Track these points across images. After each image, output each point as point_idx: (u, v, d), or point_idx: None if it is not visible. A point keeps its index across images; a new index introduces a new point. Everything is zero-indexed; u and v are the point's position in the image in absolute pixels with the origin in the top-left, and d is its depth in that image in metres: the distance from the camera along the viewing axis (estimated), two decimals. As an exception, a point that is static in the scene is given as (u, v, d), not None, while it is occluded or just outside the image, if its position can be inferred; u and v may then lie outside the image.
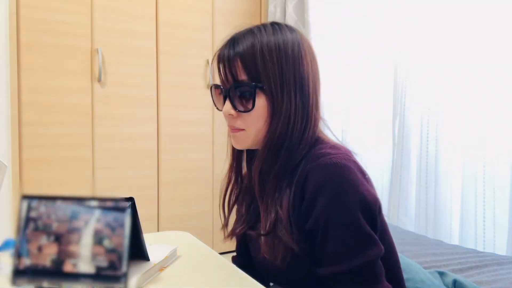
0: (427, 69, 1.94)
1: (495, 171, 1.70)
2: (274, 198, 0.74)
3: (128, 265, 0.45)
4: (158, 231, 2.58)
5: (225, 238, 0.87)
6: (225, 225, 0.89)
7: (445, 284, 1.03)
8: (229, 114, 0.76)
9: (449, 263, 1.34)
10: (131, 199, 0.52)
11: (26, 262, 0.45)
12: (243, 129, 0.76)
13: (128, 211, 0.46)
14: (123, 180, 2.46)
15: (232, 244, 0.97)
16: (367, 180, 0.73)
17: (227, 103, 0.75)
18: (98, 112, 2.37)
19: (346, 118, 2.45)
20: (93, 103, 2.35)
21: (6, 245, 0.81)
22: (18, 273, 0.45)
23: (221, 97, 0.78)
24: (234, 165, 0.86)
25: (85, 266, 0.45)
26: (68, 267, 0.45)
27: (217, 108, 0.81)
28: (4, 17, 2.10)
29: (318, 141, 0.77)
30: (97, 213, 0.46)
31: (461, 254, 1.43)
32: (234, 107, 0.75)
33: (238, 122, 0.76)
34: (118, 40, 2.40)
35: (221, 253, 0.91)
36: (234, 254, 1.00)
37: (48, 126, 2.25)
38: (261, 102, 0.73)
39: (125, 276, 0.44)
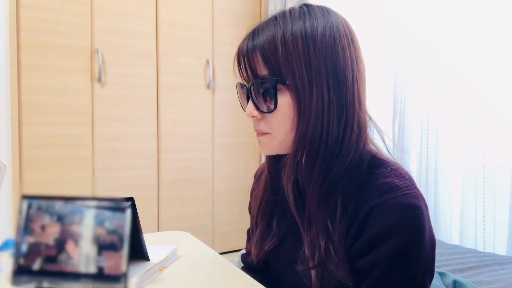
0: (427, 69, 1.94)
1: (495, 171, 1.70)
2: (321, 222, 0.64)
3: (128, 265, 0.45)
4: (158, 231, 2.58)
5: (255, 258, 0.76)
6: (255, 243, 0.77)
7: (445, 285, 1.03)
8: (253, 116, 0.67)
9: (449, 263, 1.34)
10: (131, 199, 0.52)
11: (26, 262, 0.45)
12: (269, 133, 0.67)
13: (128, 211, 0.46)
14: (123, 180, 2.46)
15: (232, 244, 0.97)
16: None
17: (250, 103, 0.67)
18: (98, 112, 2.37)
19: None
20: (93, 103, 2.35)
21: (6, 245, 0.81)
22: (18, 273, 0.45)
23: (245, 97, 0.69)
24: (267, 173, 0.76)
25: (85, 266, 0.45)
26: (68, 267, 0.45)
27: (243, 109, 0.72)
28: (4, 17, 2.10)
29: (375, 158, 0.66)
30: (97, 213, 0.46)
31: (461, 254, 1.43)
32: (257, 108, 0.66)
33: (262, 124, 0.67)
34: (118, 40, 2.41)
35: (221, 253, 0.91)
36: (243, 251, 0.96)
37: (48, 126, 2.25)
38: (286, 100, 0.63)
39: (125, 276, 0.44)
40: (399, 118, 2.09)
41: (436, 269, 1.11)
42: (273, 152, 0.70)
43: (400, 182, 0.61)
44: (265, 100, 0.65)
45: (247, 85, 0.68)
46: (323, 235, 0.63)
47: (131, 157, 2.48)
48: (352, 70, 0.65)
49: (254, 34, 0.67)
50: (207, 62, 2.70)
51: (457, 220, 1.86)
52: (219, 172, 2.79)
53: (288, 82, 0.63)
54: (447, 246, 1.56)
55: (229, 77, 2.78)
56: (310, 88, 0.62)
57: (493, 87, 1.69)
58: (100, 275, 0.45)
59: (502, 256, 1.45)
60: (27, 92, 2.18)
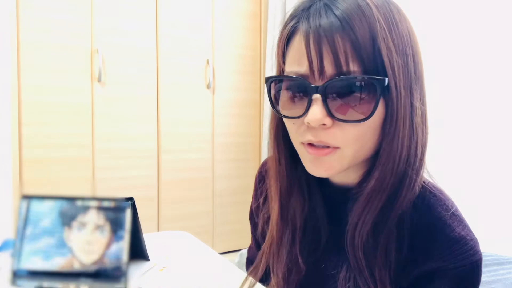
0: (428, 68, 1.94)
1: (495, 170, 1.70)
2: (368, 264, 0.52)
3: (128, 265, 0.45)
4: (158, 231, 2.58)
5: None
6: (277, 275, 0.60)
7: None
8: (322, 124, 0.48)
9: (449, 263, 1.34)
10: (131, 199, 0.52)
11: (26, 262, 0.45)
12: (338, 147, 0.50)
13: (128, 211, 0.46)
14: (123, 180, 2.46)
15: (232, 244, 0.97)
16: None
17: (318, 107, 0.47)
18: (98, 112, 2.37)
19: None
20: (93, 103, 2.35)
21: (6, 245, 0.81)
22: (18, 273, 0.45)
23: (302, 97, 0.50)
24: (294, 199, 0.58)
25: (85, 266, 0.45)
26: (68, 267, 0.45)
27: (277, 113, 0.53)
28: (4, 17, 2.10)
29: (428, 189, 0.54)
30: (97, 213, 0.46)
31: (461, 254, 1.43)
32: (331, 114, 0.48)
33: (331, 136, 0.49)
34: (118, 40, 2.40)
35: (221, 253, 0.91)
36: (243, 251, 0.93)
37: (48, 126, 2.25)
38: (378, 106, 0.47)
39: (125, 276, 0.44)
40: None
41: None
42: (334, 173, 0.52)
43: (463, 233, 0.52)
44: (348, 105, 0.48)
45: (314, 82, 0.48)
46: (369, 278, 0.52)
47: (131, 157, 2.48)
48: (422, 69, 0.53)
49: (337, 12, 0.46)
50: (207, 62, 2.70)
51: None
52: (219, 172, 2.79)
53: (387, 85, 0.47)
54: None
55: (229, 77, 2.78)
56: (406, 92, 0.49)
57: (493, 87, 1.69)
58: (100, 275, 0.45)
59: (502, 256, 1.45)
60: (27, 92, 2.18)
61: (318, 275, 0.59)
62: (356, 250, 0.52)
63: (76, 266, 0.47)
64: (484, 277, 1.23)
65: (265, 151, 2.84)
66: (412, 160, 0.50)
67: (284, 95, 0.52)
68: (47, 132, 2.24)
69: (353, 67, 0.46)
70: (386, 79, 0.47)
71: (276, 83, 0.53)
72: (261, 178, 0.72)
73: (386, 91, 0.48)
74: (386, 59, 0.46)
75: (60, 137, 2.28)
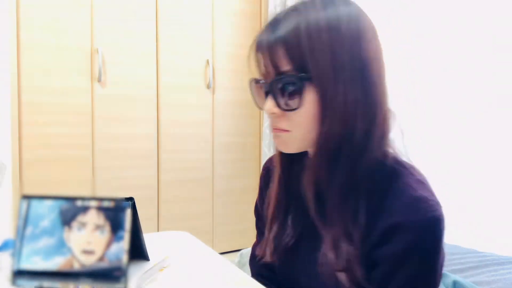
0: (427, 69, 1.94)
1: (495, 170, 1.70)
2: (341, 224, 0.62)
3: (128, 265, 0.45)
4: (158, 231, 2.58)
5: (269, 258, 0.74)
6: (268, 243, 0.74)
7: (444, 285, 1.03)
8: (272, 113, 0.63)
9: (449, 263, 1.34)
10: (131, 199, 0.52)
11: (26, 262, 0.45)
12: (288, 130, 0.63)
13: (128, 211, 0.46)
14: (123, 180, 2.46)
15: (232, 244, 0.97)
16: None
17: (269, 100, 0.63)
18: (98, 112, 2.37)
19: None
20: (93, 103, 2.36)
21: (6, 245, 0.81)
22: (18, 273, 0.45)
23: (262, 93, 0.66)
24: (281, 172, 0.73)
25: (85, 266, 0.45)
26: (68, 267, 0.45)
27: (258, 106, 0.70)
28: (4, 17, 2.10)
29: (396, 159, 0.64)
30: (97, 213, 0.46)
31: (461, 254, 1.43)
32: (278, 105, 0.62)
33: (283, 122, 0.63)
34: (118, 40, 2.41)
35: (221, 253, 0.91)
36: (243, 251, 0.95)
37: (48, 126, 2.25)
38: (310, 97, 0.60)
39: (125, 276, 0.44)
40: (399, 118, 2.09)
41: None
42: (291, 150, 0.66)
43: (425, 194, 0.59)
44: (288, 97, 0.61)
45: (265, 81, 0.65)
46: (343, 237, 0.62)
47: (131, 157, 2.49)
48: (377, 65, 0.62)
49: (274, 25, 0.62)
50: (207, 62, 2.70)
51: (457, 220, 1.86)
52: (219, 172, 2.79)
53: (313, 78, 0.59)
54: (447, 246, 1.56)
55: (229, 77, 2.78)
56: (335, 84, 0.59)
57: (493, 87, 1.69)
58: (100, 275, 0.45)
59: (502, 256, 1.45)
60: (27, 92, 2.18)
61: (304, 246, 0.71)
62: (330, 213, 0.63)
63: (76, 266, 0.47)
64: (484, 277, 1.23)
65: (265, 151, 2.84)
66: (351, 137, 0.60)
67: (256, 93, 0.69)
68: (47, 132, 2.24)
69: (287, 68, 0.60)
70: (308, 75, 0.59)
71: (251, 84, 0.69)
72: (267, 170, 0.83)
73: (317, 83, 0.59)
74: (313, 61, 0.58)
75: (60, 137, 2.28)
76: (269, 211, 0.75)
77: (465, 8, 1.76)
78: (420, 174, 0.63)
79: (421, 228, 0.58)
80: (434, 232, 0.58)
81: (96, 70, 2.34)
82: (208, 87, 2.71)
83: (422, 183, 0.61)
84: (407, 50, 2.02)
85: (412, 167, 0.64)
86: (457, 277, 1.05)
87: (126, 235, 0.46)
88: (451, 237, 1.86)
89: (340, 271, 0.62)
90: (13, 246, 0.46)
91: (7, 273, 0.44)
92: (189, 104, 2.66)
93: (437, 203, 0.60)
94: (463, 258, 1.39)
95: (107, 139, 2.40)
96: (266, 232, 0.76)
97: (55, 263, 0.46)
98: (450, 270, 1.25)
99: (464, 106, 1.81)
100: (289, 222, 0.73)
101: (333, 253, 0.62)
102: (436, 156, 1.93)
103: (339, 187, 0.62)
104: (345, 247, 0.61)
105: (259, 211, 0.85)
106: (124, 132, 2.45)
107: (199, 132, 2.71)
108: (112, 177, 2.43)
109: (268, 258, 0.74)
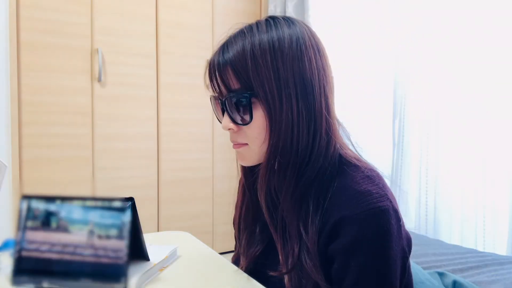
0: (427, 68, 1.94)
1: (496, 169, 1.70)
2: (294, 227, 0.66)
3: (128, 265, 0.45)
4: (158, 231, 2.58)
5: (244, 267, 0.77)
6: (242, 252, 0.78)
7: (444, 285, 1.03)
8: (229, 129, 0.69)
9: (449, 263, 1.34)
10: (131, 199, 0.52)
11: (26, 262, 0.45)
12: (246, 144, 0.69)
13: (128, 211, 0.46)
14: (123, 180, 2.46)
15: (232, 244, 0.97)
16: (401, 216, 0.65)
17: (225, 116, 0.69)
18: (98, 112, 2.37)
19: (346, 118, 2.45)
20: (93, 103, 2.36)
21: (6, 245, 0.81)
22: (18, 273, 0.45)
23: (220, 110, 0.72)
24: (244, 182, 0.78)
25: (85, 266, 0.45)
26: (68, 267, 0.45)
27: (219, 121, 0.74)
28: (4, 17, 2.10)
29: (346, 161, 0.68)
30: (97, 213, 0.46)
31: (461, 254, 1.43)
32: (232, 120, 0.68)
33: (240, 136, 0.69)
34: (118, 40, 2.41)
35: (221, 253, 0.91)
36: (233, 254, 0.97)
37: (48, 126, 2.25)
38: (259, 112, 0.66)
39: (125, 276, 0.44)
40: (399, 118, 2.09)
41: (435, 269, 1.11)
42: (251, 162, 0.72)
43: (369, 188, 0.63)
44: (240, 113, 0.67)
45: (221, 99, 0.70)
46: (296, 240, 0.65)
47: (131, 157, 2.49)
48: (319, 79, 0.67)
49: (224, 49, 0.69)
50: (207, 62, 2.69)
51: (457, 220, 1.86)
52: (219, 172, 2.79)
53: (259, 95, 0.65)
54: (447, 246, 1.56)
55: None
56: (279, 100, 0.64)
57: (493, 87, 1.69)
58: (100, 275, 0.45)
59: (502, 256, 1.45)
60: (27, 92, 2.18)
61: (271, 252, 0.74)
62: (282, 217, 0.68)
63: (76, 266, 0.47)
64: (484, 277, 1.23)
65: (265, 151, 2.84)
66: (297, 147, 0.65)
67: (215, 109, 0.74)
68: (47, 132, 2.24)
69: (237, 86, 0.66)
70: (255, 93, 0.64)
71: (211, 101, 0.74)
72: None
73: (263, 99, 0.65)
74: (258, 80, 0.64)
75: (60, 137, 2.28)
76: (240, 220, 0.80)
77: (465, 8, 1.76)
78: (371, 171, 0.67)
79: (365, 218, 0.60)
80: (379, 222, 0.61)
81: (96, 70, 2.34)
82: (208, 87, 2.70)
83: (369, 178, 0.65)
84: (407, 50, 2.02)
85: (362, 166, 0.67)
86: (457, 277, 1.05)
87: (126, 235, 0.46)
88: (450, 237, 1.86)
89: (287, 273, 0.66)
90: (13, 246, 0.46)
91: (7, 273, 0.44)
92: (189, 104, 2.66)
93: (383, 196, 0.62)
94: (463, 258, 1.38)
95: (107, 139, 2.40)
96: (239, 241, 0.81)
97: (55, 263, 0.46)
98: (450, 270, 1.25)
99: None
100: (258, 230, 0.78)
101: (283, 257, 0.67)
102: (436, 157, 1.93)
103: (289, 193, 0.66)
104: (296, 249, 0.65)
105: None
106: (124, 132, 2.45)
107: (199, 132, 2.71)
108: (112, 177, 2.43)
109: (244, 266, 0.77)
